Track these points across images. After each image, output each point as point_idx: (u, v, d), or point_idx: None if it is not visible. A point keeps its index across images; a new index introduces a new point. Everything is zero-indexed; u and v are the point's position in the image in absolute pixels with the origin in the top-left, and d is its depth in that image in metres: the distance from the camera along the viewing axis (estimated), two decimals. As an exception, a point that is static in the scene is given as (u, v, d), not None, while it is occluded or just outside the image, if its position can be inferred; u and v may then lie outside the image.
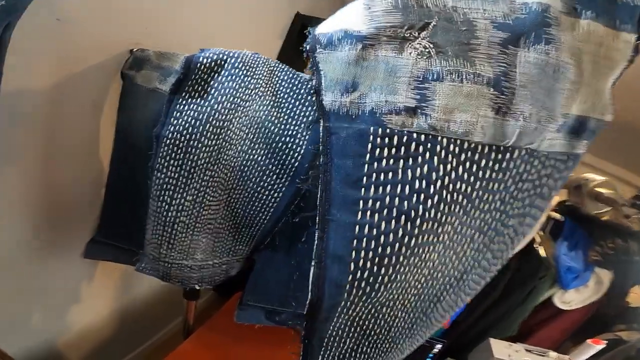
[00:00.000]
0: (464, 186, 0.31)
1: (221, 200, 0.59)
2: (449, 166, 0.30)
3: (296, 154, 0.56)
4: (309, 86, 0.57)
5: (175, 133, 0.51)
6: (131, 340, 1.29)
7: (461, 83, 0.28)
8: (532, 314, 1.27)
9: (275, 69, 0.57)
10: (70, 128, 0.76)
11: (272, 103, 0.56)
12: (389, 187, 0.30)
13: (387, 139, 0.30)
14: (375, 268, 0.32)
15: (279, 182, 0.58)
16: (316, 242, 0.33)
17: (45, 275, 0.89)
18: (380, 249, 0.31)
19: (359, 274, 0.32)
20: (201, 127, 0.51)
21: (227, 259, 0.67)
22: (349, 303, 0.35)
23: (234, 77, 0.53)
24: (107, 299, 1.13)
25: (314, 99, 0.33)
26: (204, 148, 0.52)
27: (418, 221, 0.30)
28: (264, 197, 0.59)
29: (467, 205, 0.32)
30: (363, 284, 0.33)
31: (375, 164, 0.30)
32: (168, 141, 0.52)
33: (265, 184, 0.58)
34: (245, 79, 0.54)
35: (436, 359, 1.20)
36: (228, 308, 1.14)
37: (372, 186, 0.30)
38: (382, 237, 0.31)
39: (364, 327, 0.39)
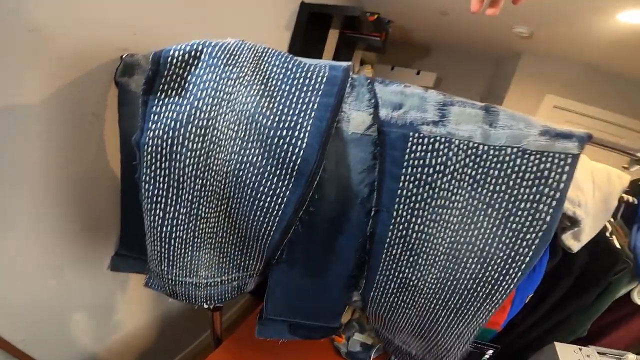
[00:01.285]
0: (468, 171, 0.48)
1: (219, 211, 0.52)
2: (460, 157, 0.48)
3: (297, 149, 0.46)
4: (306, 68, 0.48)
5: (156, 139, 0.45)
6: (167, 350, 1.30)
7: (464, 108, 0.49)
8: (604, 312, 1.09)
9: (264, 53, 0.49)
10: (76, 140, 0.74)
11: (261, 92, 0.47)
12: (421, 169, 0.49)
13: (420, 140, 0.48)
14: (414, 219, 0.51)
15: (280, 185, 0.49)
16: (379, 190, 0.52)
17: (78, 290, 0.89)
18: (413, 205, 0.50)
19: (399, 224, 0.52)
20: (182, 130, 0.44)
21: (236, 275, 0.60)
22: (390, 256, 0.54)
23: (212, 67, 0.45)
24: (142, 310, 1.14)
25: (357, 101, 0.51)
26: (189, 153, 0.45)
27: (437, 189, 0.49)
28: (266, 204, 0.50)
29: (473, 184, 0.49)
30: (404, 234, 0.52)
31: (413, 154, 0.48)
32: (149, 148, 0.45)
33: (265, 189, 0.49)
34: (227, 68, 0.46)
35: (489, 366, 1.07)
36: (255, 316, 1.10)
37: (410, 167, 0.49)
38: (414, 198, 0.50)
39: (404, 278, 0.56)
